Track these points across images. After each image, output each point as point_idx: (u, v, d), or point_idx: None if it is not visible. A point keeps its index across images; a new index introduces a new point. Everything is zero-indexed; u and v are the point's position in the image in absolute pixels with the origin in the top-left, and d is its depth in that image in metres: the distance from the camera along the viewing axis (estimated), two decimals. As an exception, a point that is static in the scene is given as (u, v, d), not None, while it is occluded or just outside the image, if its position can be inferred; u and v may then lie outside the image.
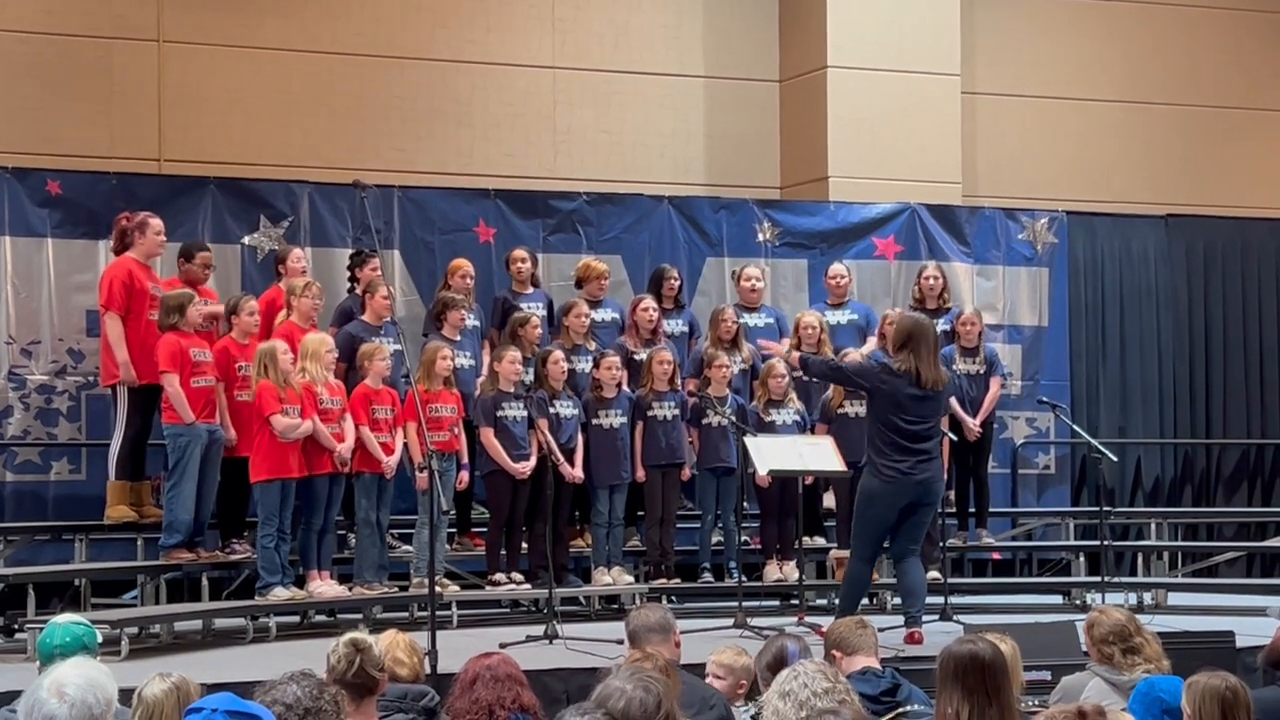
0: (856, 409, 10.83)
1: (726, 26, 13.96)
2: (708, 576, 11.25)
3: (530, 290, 11.65)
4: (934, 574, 10.51)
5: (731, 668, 6.32)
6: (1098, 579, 11.38)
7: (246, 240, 11.67)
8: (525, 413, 10.65)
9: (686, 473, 11.31)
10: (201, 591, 10.34)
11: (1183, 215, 14.56)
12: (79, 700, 3.60)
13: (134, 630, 9.50)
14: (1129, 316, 14.19)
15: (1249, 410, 14.54)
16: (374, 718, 5.40)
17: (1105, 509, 11.71)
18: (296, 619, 10.45)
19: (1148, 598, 11.59)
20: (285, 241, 11.59)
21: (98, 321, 10.56)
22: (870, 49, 13.56)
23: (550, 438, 10.48)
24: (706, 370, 11.20)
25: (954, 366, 11.47)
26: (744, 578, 10.64)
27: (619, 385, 11.08)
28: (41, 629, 6.03)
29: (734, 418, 10.82)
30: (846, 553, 10.07)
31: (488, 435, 10.64)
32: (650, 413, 11.07)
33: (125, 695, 4.25)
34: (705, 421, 11.21)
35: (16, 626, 9.82)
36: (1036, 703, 6.28)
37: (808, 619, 9.95)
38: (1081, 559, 12.53)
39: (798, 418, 11.29)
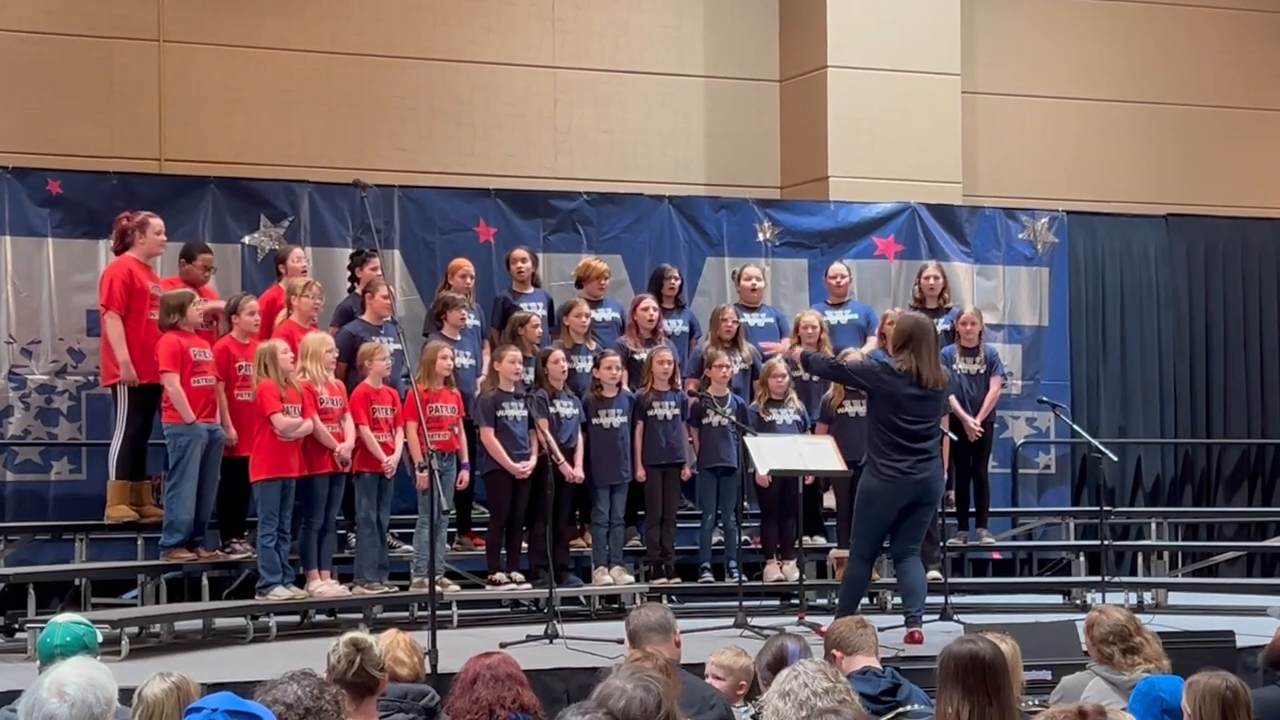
0: (857, 409, 10.83)
1: (727, 26, 13.96)
2: (708, 576, 11.25)
3: (530, 290, 11.65)
4: (934, 574, 10.51)
5: (731, 668, 6.32)
6: (1098, 579, 11.38)
7: (247, 240, 11.67)
8: (525, 412, 10.65)
9: (687, 472, 11.31)
10: (202, 591, 10.35)
11: (1183, 215, 14.56)
12: (79, 700, 3.60)
13: (134, 630, 9.50)
14: (1129, 316, 14.20)
15: (1249, 410, 14.55)
16: (374, 717, 5.40)
17: (1105, 509, 11.71)
18: (297, 618, 10.45)
19: (1148, 597, 11.59)
20: (285, 241, 11.59)
21: (98, 321, 10.56)
22: (870, 48, 13.56)
23: (550, 437, 10.48)
24: (707, 370, 11.20)
25: (954, 366, 11.47)
26: (744, 577, 10.64)
27: (619, 385, 11.08)
28: (42, 628, 6.03)
29: (734, 417, 10.82)
30: (847, 552, 10.07)
31: (488, 435, 10.64)
32: (650, 412, 11.07)
33: (125, 695, 4.25)
34: (705, 421, 11.21)
35: (17, 626, 9.83)
36: (1037, 702, 6.27)
37: (808, 619, 9.95)
38: (1082, 559, 12.53)
39: (798, 417, 11.29)
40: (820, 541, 11.67)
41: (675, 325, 11.88)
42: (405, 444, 10.38)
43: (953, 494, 11.74)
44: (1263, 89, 15.38)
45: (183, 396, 9.83)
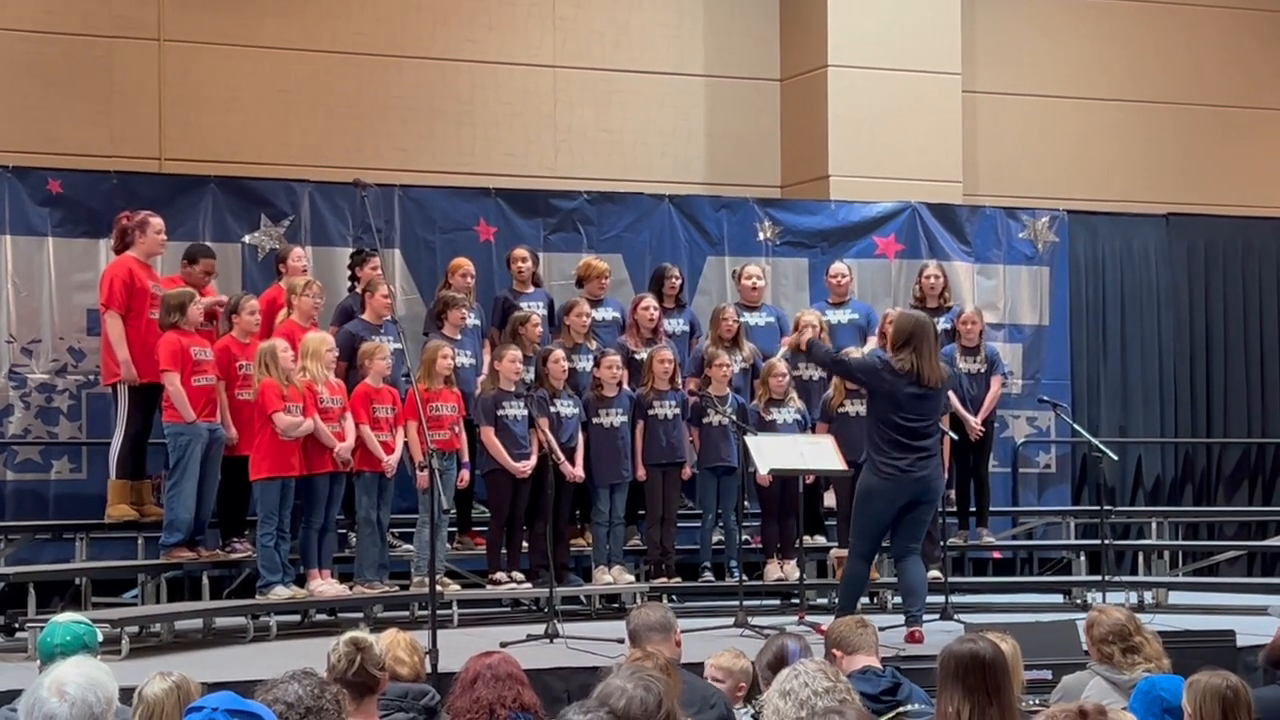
0: (857, 408, 10.82)
1: (727, 25, 13.96)
2: (708, 575, 11.25)
3: (531, 289, 11.65)
4: (935, 573, 10.50)
5: (730, 670, 6.32)
6: (1098, 578, 11.38)
7: (247, 239, 11.67)
8: (526, 412, 10.65)
9: (687, 472, 11.31)
10: (202, 590, 10.35)
11: (1184, 214, 14.56)
12: (80, 699, 3.60)
13: (134, 629, 9.51)
14: (1130, 315, 14.20)
15: (1250, 409, 14.55)
16: (375, 717, 5.40)
17: (1106, 508, 11.72)
18: (297, 618, 10.45)
19: (1148, 597, 11.59)
20: (286, 240, 11.59)
21: (98, 320, 10.56)
22: (871, 48, 13.56)
23: (551, 437, 10.48)
24: (707, 369, 11.20)
25: (955, 365, 11.46)
26: (745, 577, 10.64)
27: (620, 384, 11.08)
28: (42, 628, 6.03)
29: (735, 417, 10.82)
30: (847, 552, 10.07)
31: (488, 434, 10.64)
32: (651, 412, 11.07)
33: (126, 694, 4.25)
34: (706, 420, 11.21)
35: (17, 625, 9.82)
36: (1037, 702, 6.27)
37: (808, 618, 9.94)
38: (1082, 558, 12.53)
39: (798, 417, 11.29)
40: (821, 541, 11.67)
41: (676, 324, 11.88)
42: (405, 443, 10.38)
43: (953, 493, 11.74)
44: (1263, 88, 15.38)
45: (183, 396, 9.83)
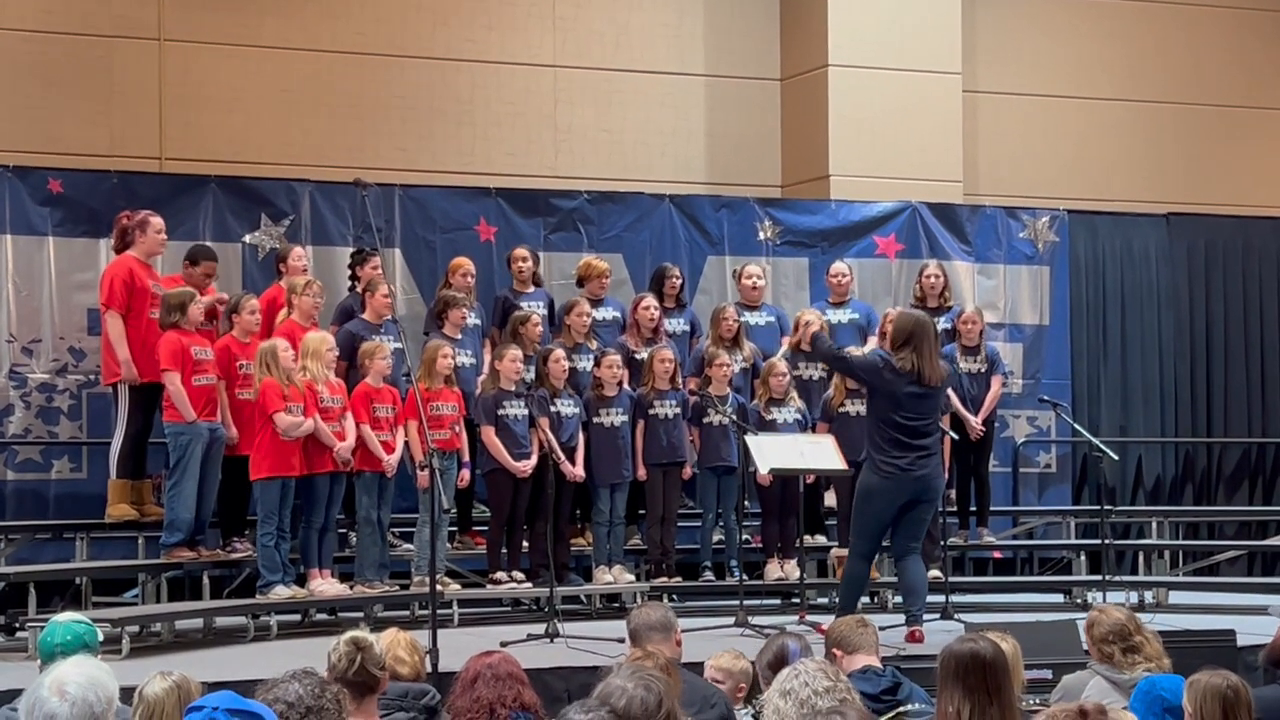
0: (858, 407, 10.82)
1: (727, 25, 13.96)
2: (709, 575, 11.24)
3: (531, 289, 11.65)
4: (935, 572, 10.50)
5: (730, 671, 6.32)
6: (1099, 578, 11.38)
7: (247, 239, 11.67)
8: (526, 411, 10.65)
9: (688, 471, 11.31)
10: (202, 590, 10.35)
11: (1184, 214, 14.56)
12: (80, 699, 3.59)
13: (135, 629, 9.51)
14: (1130, 315, 14.19)
15: (1250, 409, 14.55)
16: (375, 716, 5.40)
17: (1106, 508, 11.72)
18: (297, 617, 10.45)
19: (1149, 596, 11.59)
20: (286, 240, 11.59)
21: (99, 320, 10.56)
22: (871, 47, 13.55)
23: (551, 436, 10.48)
24: (707, 369, 11.20)
25: (955, 365, 11.46)
26: (745, 576, 10.64)
27: (620, 384, 11.08)
28: (42, 627, 6.03)
29: (735, 416, 10.82)
30: (847, 551, 10.07)
31: (489, 434, 10.64)
32: (651, 411, 11.07)
33: (126, 694, 4.25)
34: (706, 420, 11.21)
35: (18, 625, 9.82)
36: (1037, 701, 6.27)
37: (809, 617, 9.94)
38: (1082, 558, 12.53)
39: (799, 416, 11.29)
40: (821, 540, 11.67)
41: (676, 324, 11.88)
42: (406, 443, 10.38)
43: (953, 493, 11.74)
44: (1263, 88, 15.38)
45: (184, 395, 9.83)
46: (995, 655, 4.90)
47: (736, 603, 10.11)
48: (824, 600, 11.26)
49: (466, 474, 10.77)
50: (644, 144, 13.63)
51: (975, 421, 11.67)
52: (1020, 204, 13.82)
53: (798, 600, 10.63)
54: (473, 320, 11.21)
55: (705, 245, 12.83)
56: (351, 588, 10.26)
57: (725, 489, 11.21)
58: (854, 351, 10.86)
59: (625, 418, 11.04)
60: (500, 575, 10.73)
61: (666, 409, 11.09)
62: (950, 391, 11.09)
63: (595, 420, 11.00)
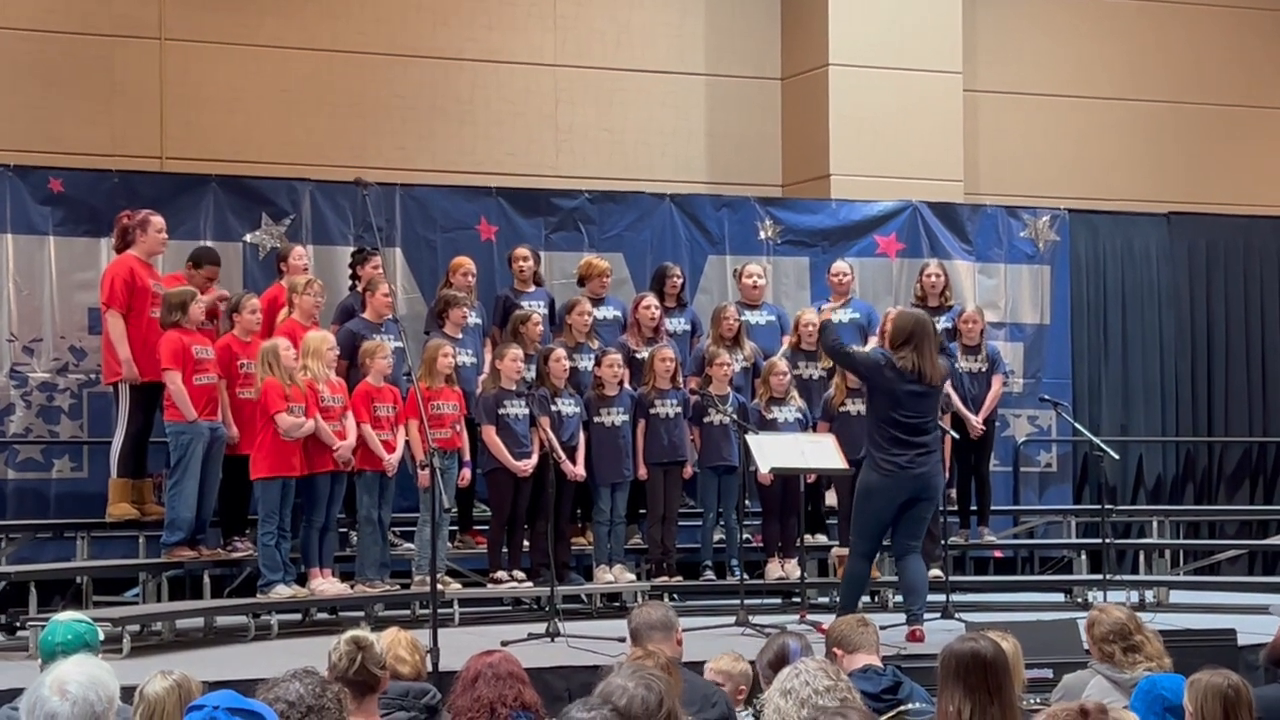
0: (858, 407, 10.81)
1: (728, 24, 13.96)
2: (709, 574, 11.25)
3: (532, 288, 11.65)
4: (936, 572, 10.50)
5: (730, 673, 6.32)
6: (1099, 577, 11.38)
7: (248, 238, 11.67)
8: (527, 410, 10.65)
9: (688, 471, 11.31)
10: (203, 589, 10.36)
11: (1185, 213, 14.55)
12: (81, 698, 3.59)
13: (136, 628, 9.51)
14: (1131, 314, 14.19)
15: (1251, 408, 14.54)
16: (376, 715, 5.40)
17: (1107, 507, 11.72)
18: (298, 617, 10.45)
19: (1149, 596, 11.60)
20: (287, 239, 11.59)
21: (99, 319, 10.56)
22: (872, 47, 13.55)
23: (552, 435, 10.48)
24: (708, 368, 11.20)
25: (956, 364, 11.46)
26: (746, 576, 10.63)
27: (621, 383, 11.08)
28: (43, 627, 6.03)
29: (736, 416, 10.82)
30: (848, 550, 10.07)
31: (489, 433, 10.64)
32: (652, 411, 11.07)
33: (127, 693, 4.25)
34: (707, 419, 11.21)
35: (18, 624, 9.83)
36: (1038, 701, 6.27)
37: (809, 617, 9.94)
38: (1083, 557, 12.52)
39: (799, 415, 11.29)
40: (822, 540, 11.67)
41: (677, 324, 11.88)
42: (407, 442, 10.39)
43: (954, 492, 11.74)
44: (1264, 87, 15.37)
45: (184, 394, 9.83)
46: (996, 654, 4.90)
47: (737, 602, 10.11)
48: (825, 599, 11.25)
49: (467, 473, 10.77)
50: (645, 143, 13.63)
51: (976, 421, 11.67)
52: (1021, 203, 13.82)
53: (798, 599, 10.63)
54: (473, 319, 11.21)
55: (706, 245, 12.83)
56: (352, 587, 10.27)
57: (726, 488, 11.21)
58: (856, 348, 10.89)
59: (626, 417, 11.04)
60: (501, 574, 10.73)
61: (667, 408, 11.09)
62: (951, 391, 11.10)
63: (596, 419, 11.00)
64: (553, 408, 10.73)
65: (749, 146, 13.94)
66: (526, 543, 10.87)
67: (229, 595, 10.73)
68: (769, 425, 11.07)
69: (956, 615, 10.05)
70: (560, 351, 10.89)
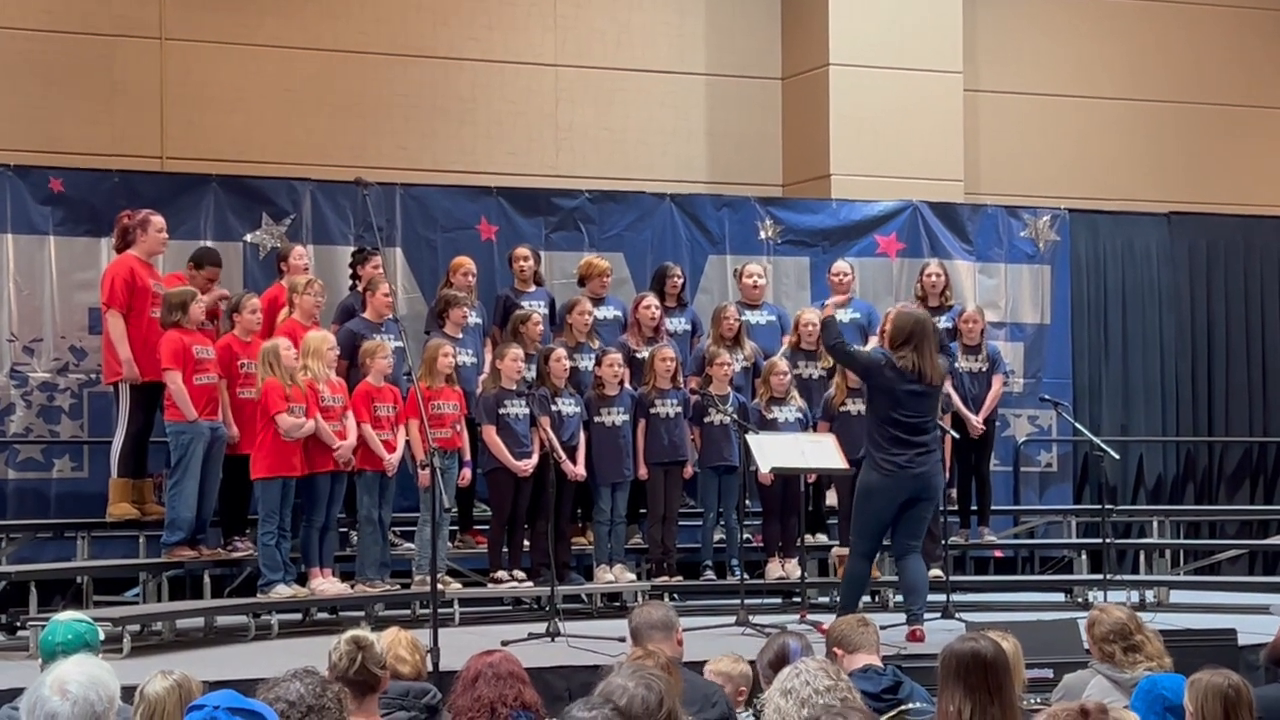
0: (859, 406, 10.81)
1: (728, 24, 13.96)
2: (710, 574, 11.25)
3: (532, 288, 11.65)
4: (936, 572, 10.50)
5: (729, 675, 6.32)
6: (1100, 577, 11.38)
7: (249, 238, 11.67)
8: (527, 410, 10.65)
9: (689, 470, 11.31)
10: (203, 589, 10.36)
11: (1185, 213, 14.55)
12: (81, 698, 3.59)
13: (136, 628, 9.51)
14: (1131, 314, 14.19)
15: (1251, 408, 14.54)
16: (376, 715, 5.40)
17: (1107, 507, 11.71)
18: (298, 616, 10.45)
19: (1150, 595, 11.59)
20: (287, 239, 11.59)
21: (100, 319, 10.56)
22: (872, 46, 13.55)
23: (552, 435, 10.48)
24: (708, 368, 11.20)
25: (956, 364, 11.46)
26: (746, 575, 10.63)
27: (621, 383, 11.08)
28: (44, 626, 6.04)
29: (736, 415, 10.82)
30: (848, 550, 10.07)
31: (490, 433, 10.64)
32: (652, 410, 11.07)
33: (127, 693, 4.25)
34: (707, 419, 11.21)
35: (19, 624, 9.83)
36: (1038, 700, 6.27)
37: (810, 617, 9.94)
38: (1084, 557, 12.53)
39: (800, 415, 11.29)
40: (822, 539, 11.67)
41: (677, 323, 11.88)
42: (407, 442, 10.39)
43: (954, 492, 11.74)
44: (1265, 86, 15.37)
45: (185, 394, 9.83)
46: (996, 654, 4.90)
47: (737, 602, 10.11)
48: (825, 599, 11.25)
49: (467, 473, 10.77)
50: (645, 143, 13.64)
51: (976, 420, 11.67)
52: (1021, 203, 13.82)
53: (799, 599, 10.62)
54: (474, 319, 11.21)
55: (706, 244, 12.83)
56: (352, 587, 10.27)
57: (726, 488, 11.21)
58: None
59: (626, 417, 11.04)
60: (501, 574, 10.73)
61: (668, 408, 11.09)
62: (951, 390, 11.10)
63: (596, 419, 11.00)
64: (553, 407, 10.73)
65: (749, 146, 13.94)
66: (527, 542, 10.87)
67: (229, 595, 10.73)
68: (769, 425, 11.07)
69: (957, 615, 10.05)
70: (560, 351, 10.89)
